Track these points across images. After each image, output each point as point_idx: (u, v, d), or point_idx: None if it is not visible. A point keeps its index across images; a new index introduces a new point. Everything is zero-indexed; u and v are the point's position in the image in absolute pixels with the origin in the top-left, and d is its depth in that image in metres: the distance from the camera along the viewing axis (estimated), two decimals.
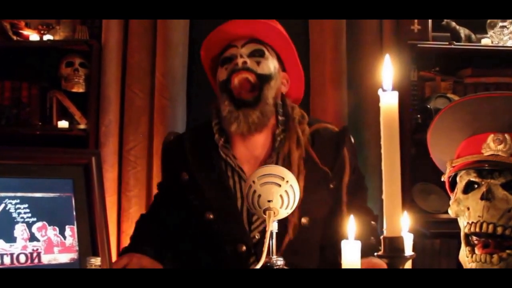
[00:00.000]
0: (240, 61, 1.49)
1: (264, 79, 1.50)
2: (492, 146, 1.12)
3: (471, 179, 1.15)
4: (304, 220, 1.47)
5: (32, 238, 1.48)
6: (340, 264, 0.96)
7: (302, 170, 1.47)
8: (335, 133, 1.57)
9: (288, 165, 1.46)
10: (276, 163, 1.50)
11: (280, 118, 1.53)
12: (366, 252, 1.09)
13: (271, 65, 1.53)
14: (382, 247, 0.75)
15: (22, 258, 1.45)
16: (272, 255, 1.08)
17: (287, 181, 1.12)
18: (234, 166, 1.52)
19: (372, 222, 1.57)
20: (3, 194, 1.46)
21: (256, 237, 1.47)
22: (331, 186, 1.51)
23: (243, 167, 1.52)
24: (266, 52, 1.54)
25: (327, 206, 1.53)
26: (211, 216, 1.48)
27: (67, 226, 1.54)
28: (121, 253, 1.61)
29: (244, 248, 1.45)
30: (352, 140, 1.63)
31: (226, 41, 1.55)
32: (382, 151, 0.76)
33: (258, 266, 1.06)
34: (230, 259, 1.46)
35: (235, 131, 1.49)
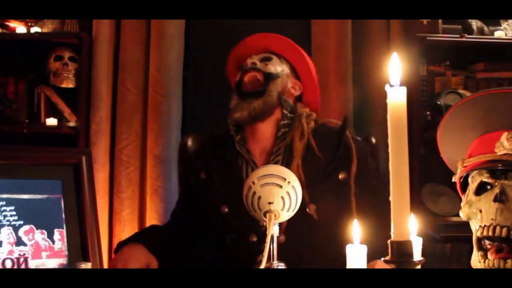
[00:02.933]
0: (249, 61, 1.77)
1: (270, 77, 1.75)
2: (506, 145, 1.12)
3: (484, 179, 1.15)
4: (311, 209, 1.56)
5: (19, 242, 1.48)
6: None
7: (304, 160, 1.64)
8: (338, 126, 1.76)
9: (290, 155, 1.66)
10: (281, 154, 1.69)
11: (285, 111, 1.75)
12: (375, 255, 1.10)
13: (278, 67, 1.78)
14: (389, 252, 0.75)
15: (8, 264, 1.45)
16: (273, 260, 1.08)
17: (289, 182, 1.12)
18: (248, 159, 1.71)
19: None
20: None
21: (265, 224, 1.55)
22: (340, 176, 1.64)
23: (256, 161, 1.72)
24: (275, 58, 1.80)
25: (337, 197, 1.63)
26: (226, 210, 1.65)
27: (55, 230, 1.54)
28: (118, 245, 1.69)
29: (255, 238, 1.59)
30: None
31: (245, 57, 1.82)
32: (390, 150, 0.76)
33: None
34: (242, 250, 1.60)
35: (238, 118, 1.72)
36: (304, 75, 1.85)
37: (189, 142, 2.04)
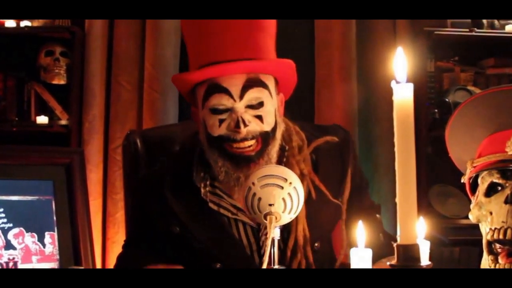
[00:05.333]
0: (243, 131, 1.34)
1: (269, 135, 1.39)
2: None
3: (494, 180, 1.15)
4: (316, 244, 1.46)
5: (8, 246, 1.48)
6: None
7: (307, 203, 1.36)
8: (336, 145, 1.51)
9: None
10: None
11: (284, 159, 1.46)
12: (377, 253, 1.09)
13: (272, 109, 1.39)
14: (395, 256, 0.75)
15: None
16: (273, 264, 1.08)
17: (290, 183, 1.12)
18: (233, 215, 1.45)
19: (377, 216, 1.58)
20: None
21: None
22: (339, 200, 1.48)
23: (239, 204, 1.44)
24: (267, 93, 1.38)
25: (335, 220, 1.52)
26: (219, 265, 1.43)
27: (46, 233, 1.54)
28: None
29: None
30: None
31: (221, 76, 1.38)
32: (396, 149, 0.76)
33: None
34: None
35: (239, 194, 1.41)
36: (285, 82, 1.48)
37: (139, 147, 1.68)
